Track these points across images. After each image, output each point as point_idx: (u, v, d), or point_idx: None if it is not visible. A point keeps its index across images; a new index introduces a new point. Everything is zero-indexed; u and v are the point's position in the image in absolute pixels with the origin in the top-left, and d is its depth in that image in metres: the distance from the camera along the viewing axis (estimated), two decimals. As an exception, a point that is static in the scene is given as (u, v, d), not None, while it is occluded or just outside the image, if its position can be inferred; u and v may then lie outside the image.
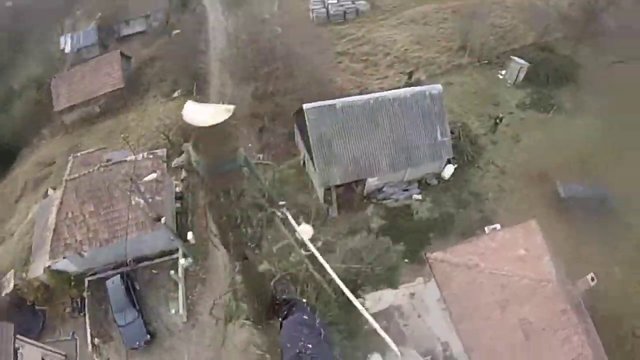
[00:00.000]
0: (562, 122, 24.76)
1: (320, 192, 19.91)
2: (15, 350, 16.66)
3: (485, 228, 19.44)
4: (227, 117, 2.48)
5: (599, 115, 24.36)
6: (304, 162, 21.48)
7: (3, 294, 20.77)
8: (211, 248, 19.80)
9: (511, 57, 27.17)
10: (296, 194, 20.21)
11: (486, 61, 27.79)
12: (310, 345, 2.36)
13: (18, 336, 17.20)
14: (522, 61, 26.69)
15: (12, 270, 21.60)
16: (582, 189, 20.68)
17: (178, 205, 21.18)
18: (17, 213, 26.50)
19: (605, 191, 20.77)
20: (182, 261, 19.45)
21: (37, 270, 20.52)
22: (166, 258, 20.10)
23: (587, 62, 27.27)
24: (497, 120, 23.88)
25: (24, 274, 21.20)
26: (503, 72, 27.19)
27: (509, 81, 26.74)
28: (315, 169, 19.23)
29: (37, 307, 20.43)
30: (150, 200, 17.99)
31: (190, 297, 19.25)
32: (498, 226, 19.28)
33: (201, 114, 2.55)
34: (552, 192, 21.17)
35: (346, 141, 19.33)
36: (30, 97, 32.31)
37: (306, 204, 19.73)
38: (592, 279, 14.27)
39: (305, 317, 2.81)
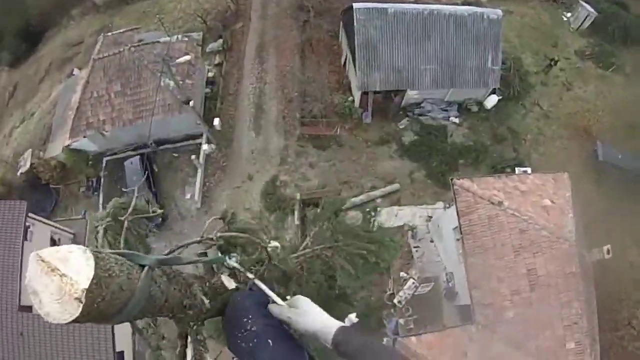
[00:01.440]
0: (619, 82, 22.48)
1: (357, 96, 18.75)
2: (26, 228, 16.52)
3: (517, 168, 18.43)
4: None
5: None
6: (344, 63, 20.15)
7: (19, 173, 20.53)
8: (236, 135, 19.16)
9: (580, 0, 24.51)
10: (332, 95, 19.17)
11: None
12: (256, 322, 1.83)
13: (30, 214, 16.93)
14: (591, 8, 23.89)
15: (30, 150, 21.09)
16: (621, 157, 19.15)
17: (208, 90, 20.10)
18: (40, 92, 25.42)
19: None
20: (205, 147, 18.71)
21: (56, 149, 20.16)
22: (189, 142, 19.31)
23: (658, 26, 24.50)
24: (553, 62, 21.55)
25: (41, 153, 20.76)
26: (569, 14, 24.34)
27: (572, 25, 24.04)
28: (356, 72, 17.97)
29: (51, 186, 20.24)
30: (180, 82, 16.91)
31: (207, 183, 18.68)
32: (529, 170, 18.32)
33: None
34: (591, 152, 19.76)
35: (392, 48, 17.82)
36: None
37: (342, 105, 18.74)
38: (608, 252, 13.28)
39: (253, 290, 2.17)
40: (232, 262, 2.05)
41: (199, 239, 2.15)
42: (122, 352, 15.53)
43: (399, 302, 15.99)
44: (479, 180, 14.83)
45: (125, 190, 18.70)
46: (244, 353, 1.75)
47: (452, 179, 14.79)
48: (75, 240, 19.91)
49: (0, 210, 16.47)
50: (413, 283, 16.04)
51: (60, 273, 1.18)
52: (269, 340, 1.71)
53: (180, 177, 19.23)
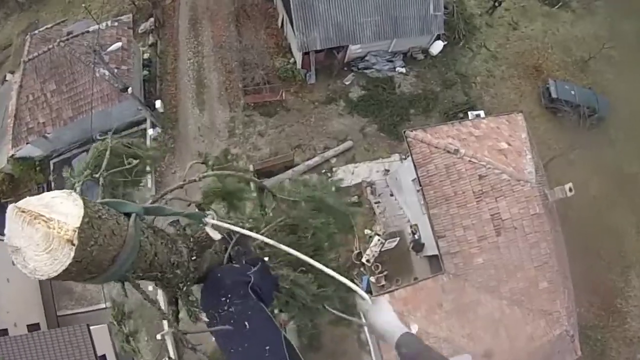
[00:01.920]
0: (567, 19, 22.31)
1: (298, 57, 18.17)
2: None
3: (469, 112, 18.17)
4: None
5: (606, 22, 22.31)
6: (282, 25, 19.45)
7: None
8: (180, 114, 18.54)
9: None
10: (273, 59, 18.63)
11: None
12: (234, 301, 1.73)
13: None
14: (529, -57, 23.58)
15: None
16: (574, 93, 19.04)
17: (146, 72, 19.29)
18: None
19: (597, 99, 19.25)
20: (150, 131, 18.30)
21: (1, 162, 19.31)
22: (134, 129, 18.66)
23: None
24: (496, 3, 21.12)
25: None
26: (507, -49, 24.11)
27: None
28: (294, 32, 17.28)
29: (2, 201, 19.24)
30: (115, 70, 16.48)
31: (158, 168, 17.91)
32: (482, 113, 18.14)
33: None
34: (544, 89, 19.64)
35: (330, 3, 17.12)
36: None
37: (284, 68, 18.27)
38: (570, 190, 13.11)
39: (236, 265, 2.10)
40: (209, 219, 1.93)
41: (181, 183, 2.11)
42: (104, 356, 15.21)
43: (367, 260, 15.86)
44: (432, 130, 14.52)
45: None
46: (219, 334, 1.71)
47: (404, 131, 14.50)
48: None
49: None
50: (379, 239, 15.88)
51: (46, 218, 1.08)
52: (246, 323, 1.68)
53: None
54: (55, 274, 1.05)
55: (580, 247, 15.94)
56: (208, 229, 1.89)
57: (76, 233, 1.05)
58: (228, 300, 1.74)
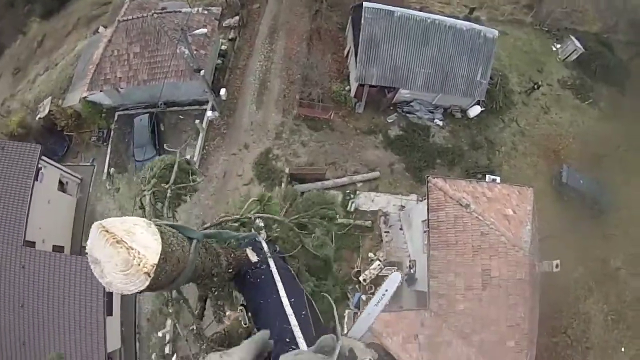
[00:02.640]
0: (592, 115, 23.35)
1: (353, 86, 19.24)
2: (38, 170, 17.00)
3: (487, 176, 19.16)
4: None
5: (627, 125, 22.94)
6: (347, 55, 20.63)
7: (37, 118, 20.90)
8: (239, 106, 19.63)
9: (571, 35, 25.36)
10: (332, 82, 19.69)
11: (546, 29, 25.40)
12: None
13: (43, 157, 17.39)
14: (579, 44, 24.64)
15: (50, 97, 21.42)
16: (582, 182, 19.92)
17: (220, 62, 20.42)
18: (66, 45, 25.52)
19: (601, 193, 20.04)
20: (209, 113, 19.27)
21: (74, 99, 20.61)
22: (196, 107, 19.84)
23: (638, 73, 25.22)
24: (536, 86, 22.36)
25: (60, 102, 21.15)
26: (558, 45, 25.04)
27: (560, 56, 24.78)
28: (356, 64, 18.42)
29: (65, 133, 20.63)
30: (195, 52, 17.33)
31: (207, 147, 19.20)
32: (498, 179, 18.93)
33: None
34: (557, 173, 20.50)
35: (393, 48, 18.31)
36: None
37: (339, 92, 19.34)
38: (557, 266, 14.06)
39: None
40: (262, 237, 2.23)
41: (238, 216, 2.30)
42: (111, 293, 15.73)
43: (364, 279, 16.73)
44: (451, 181, 15.32)
45: (134, 146, 19.15)
46: (251, 286, 1.82)
47: (427, 176, 15.31)
48: (82, 185, 20.42)
49: (16, 150, 16.96)
50: (379, 264, 16.83)
51: (127, 246, 1.12)
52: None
53: (183, 137, 19.62)
54: (128, 292, 1.11)
55: (551, 320, 16.68)
56: (248, 251, 2.04)
57: (154, 268, 1.11)
58: (259, 262, 1.90)
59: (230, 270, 1.89)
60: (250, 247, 2.13)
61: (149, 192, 2.18)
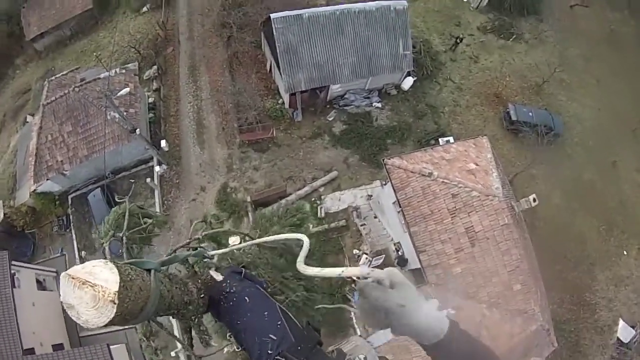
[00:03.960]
0: (521, 49, 23.40)
1: (286, 98, 18.76)
2: (12, 276, 16.19)
3: (440, 139, 18.91)
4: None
5: (555, 49, 23.56)
6: (270, 69, 20.08)
7: None
8: (183, 152, 19.06)
9: None
10: (264, 100, 19.20)
11: None
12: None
13: (13, 262, 16.60)
14: (487, -13, 24.88)
15: (0, 201, 20.59)
16: (531, 114, 19.88)
17: (151, 115, 19.83)
18: None
19: (552, 119, 20.09)
20: (157, 168, 18.74)
21: (24, 196, 19.88)
22: (143, 167, 19.30)
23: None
24: (458, 40, 22.12)
25: (11, 202, 20.36)
26: (468, -5, 25.37)
27: (472, 4, 24.52)
28: (281, 76, 17.93)
29: (26, 232, 19.89)
30: (125, 113, 17.00)
31: (165, 202, 18.62)
32: (451, 139, 18.80)
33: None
34: (504, 114, 20.45)
35: (311, 49, 17.89)
36: (2, 31, 29.26)
37: (273, 108, 18.87)
38: (534, 200, 13.78)
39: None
40: (210, 252, 2.33)
41: (187, 240, 2.41)
42: None
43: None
44: (407, 157, 15.09)
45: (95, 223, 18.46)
46: (225, 312, 1.86)
47: (383, 159, 15.09)
48: (57, 279, 19.57)
49: None
50: (366, 258, 16.44)
51: (92, 284, 1.25)
52: (246, 298, 1.83)
53: (139, 200, 18.94)
54: (103, 324, 1.24)
55: (548, 251, 16.34)
56: (212, 272, 2.12)
57: (116, 295, 1.22)
58: (228, 285, 1.91)
59: (202, 296, 1.95)
60: (214, 268, 2.20)
61: (107, 243, 2.38)
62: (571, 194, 18.84)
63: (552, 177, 19.08)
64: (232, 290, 1.90)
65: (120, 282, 1.28)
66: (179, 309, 1.83)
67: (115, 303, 1.24)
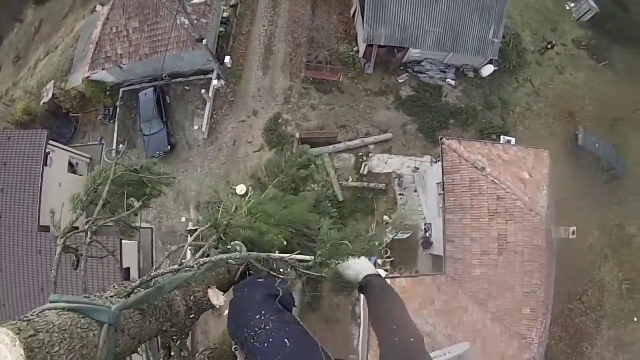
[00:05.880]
0: (609, 78, 21.86)
1: (362, 47, 18.08)
2: (46, 155, 16.64)
3: (502, 136, 18.15)
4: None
5: None
6: (353, 15, 19.35)
7: (42, 103, 20.31)
8: (245, 72, 18.62)
9: None
10: (338, 43, 18.54)
11: None
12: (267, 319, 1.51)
13: (50, 141, 17.03)
14: (593, 4, 23.08)
15: (52, 81, 20.80)
16: (598, 146, 18.83)
17: (222, 29, 19.29)
18: (64, 27, 24.76)
19: (617, 158, 19.03)
20: (215, 82, 18.34)
21: (76, 80, 20.01)
22: (201, 77, 18.92)
23: (655, 35, 23.93)
24: (550, 45, 20.94)
25: (63, 84, 20.55)
26: (572, 4, 23.38)
27: (574, 15, 23.32)
28: (363, 25, 17.22)
29: (71, 115, 20.13)
30: (195, 21, 16.48)
31: (215, 116, 18.34)
32: (513, 140, 17.98)
33: None
34: (572, 135, 19.46)
35: (401, 7, 17.02)
36: None
37: (346, 54, 18.24)
38: (573, 233, 13.36)
39: (260, 279, 1.78)
40: (236, 254, 1.70)
41: (176, 266, 1.56)
42: (128, 268, 15.80)
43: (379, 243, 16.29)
44: (466, 143, 14.48)
45: (140, 121, 18.46)
46: (258, 353, 1.47)
47: (441, 138, 14.51)
48: (91, 164, 19.95)
49: (23, 138, 16.71)
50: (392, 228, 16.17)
51: None
52: (286, 340, 1.46)
53: (190, 108, 18.81)
54: None
55: (566, 287, 16.02)
56: (210, 293, 1.66)
57: None
58: (263, 317, 1.51)
59: (192, 316, 1.56)
60: (212, 286, 1.73)
61: (60, 241, 1.70)
62: (608, 239, 18.13)
63: (596, 216, 18.24)
64: (266, 327, 1.49)
65: None
66: (154, 335, 1.41)
67: None
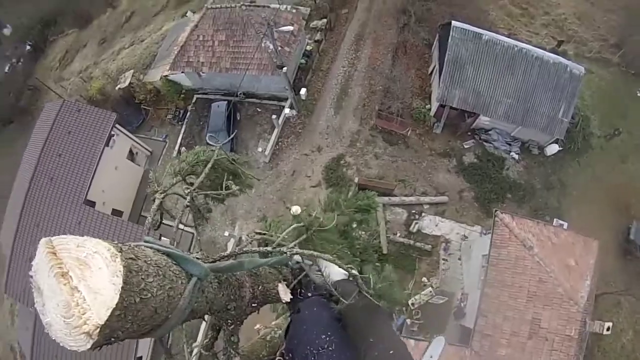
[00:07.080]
0: None
1: (434, 106, 18.27)
2: (110, 136, 17.45)
3: (555, 219, 17.96)
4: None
5: None
6: (431, 72, 19.70)
7: (117, 88, 21.38)
8: (317, 108, 19.06)
9: None
10: (413, 98, 18.80)
11: (633, 72, 23.55)
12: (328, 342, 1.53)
13: (117, 126, 17.86)
14: (662, 90, 23.00)
15: (132, 71, 21.87)
16: None
17: (303, 61, 19.89)
18: (153, 24, 26.00)
19: None
20: (287, 110, 18.92)
21: (155, 75, 20.94)
22: (274, 102, 19.53)
23: None
24: (617, 132, 20.55)
25: (141, 76, 21.57)
26: (641, 93, 23.61)
27: None
28: (439, 84, 17.44)
29: (142, 106, 21.02)
30: (279, 48, 17.09)
31: (280, 143, 18.89)
32: (565, 225, 17.71)
33: None
34: (624, 228, 18.97)
35: (478, 72, 17.22)
36: None
37: (418, 110, 18.54)
38: (608, 329, 13.03)
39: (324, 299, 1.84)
40: (296, 258, 1.77)
41: (270, 248, 1.67)
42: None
43: (412, 303, 16.04)
44: (519, 219, 14.51)
45: (208, 130, 19.14)
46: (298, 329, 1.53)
47: (496, 210, 14.57)
48: (151, 158, 20.71)
49: (92, 115, 17.55)
50: (430, 291, 16.13)
51: (72, 285, 0.79)
52: None
53: (257, 130, 19.42)
54: (69, 348, 0.79)
55: None
56: (280, 287, 1.71)
57: (97, 330, 0.78)
58: (328, 338, 1.52)
59: (254, 305, 1.58)
60: (285, 282, 1.79)
61: (160, 196, 1.71)
62: (645, 344, 17.27)
63: (636, 315, 17.61)
64: (329, 348, 1.47)
65: (114, 311, 0.80)
66: (214, 313, 1.42)
67: (92, 339, 0.79)
